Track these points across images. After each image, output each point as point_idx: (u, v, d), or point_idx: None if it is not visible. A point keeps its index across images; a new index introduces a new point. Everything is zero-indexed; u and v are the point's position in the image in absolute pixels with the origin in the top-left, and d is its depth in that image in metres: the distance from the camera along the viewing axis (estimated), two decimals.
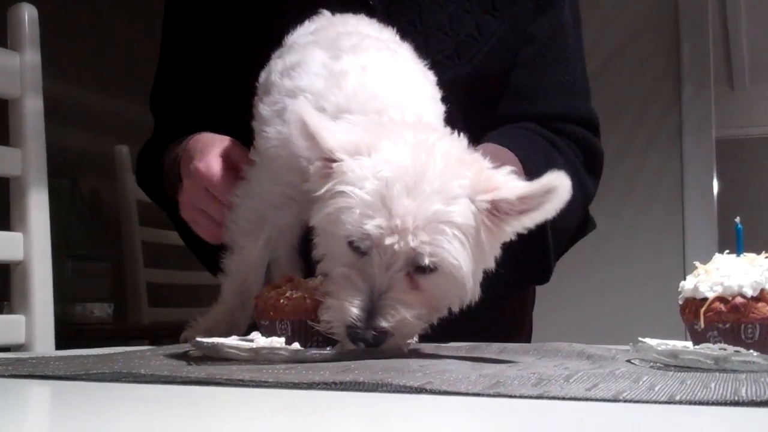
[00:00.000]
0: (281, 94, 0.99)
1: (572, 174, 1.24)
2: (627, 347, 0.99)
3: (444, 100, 1.03)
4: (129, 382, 0.70)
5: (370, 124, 0.86)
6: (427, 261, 0.81)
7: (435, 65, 1.05)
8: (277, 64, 1.03)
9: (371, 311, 0.82)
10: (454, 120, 1.01)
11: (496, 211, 0.82)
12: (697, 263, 0.86)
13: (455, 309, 0.88)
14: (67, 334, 1.74)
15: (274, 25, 1.08)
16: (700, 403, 0.57)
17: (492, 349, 1.03)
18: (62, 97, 2.90)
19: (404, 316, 0.83)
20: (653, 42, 2.98)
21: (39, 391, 0.71)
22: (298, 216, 1.02)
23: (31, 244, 1.30)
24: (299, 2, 1.10)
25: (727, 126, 4.93)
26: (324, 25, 1.06)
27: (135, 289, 2.69)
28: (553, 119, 1.23)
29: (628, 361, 0.87)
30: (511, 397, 0.60)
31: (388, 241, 0.80)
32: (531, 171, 1.11)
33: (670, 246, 2.90)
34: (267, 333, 0.90)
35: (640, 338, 0.88)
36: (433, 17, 1.19)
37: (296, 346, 0.85)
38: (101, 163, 2.79)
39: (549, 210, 0.82)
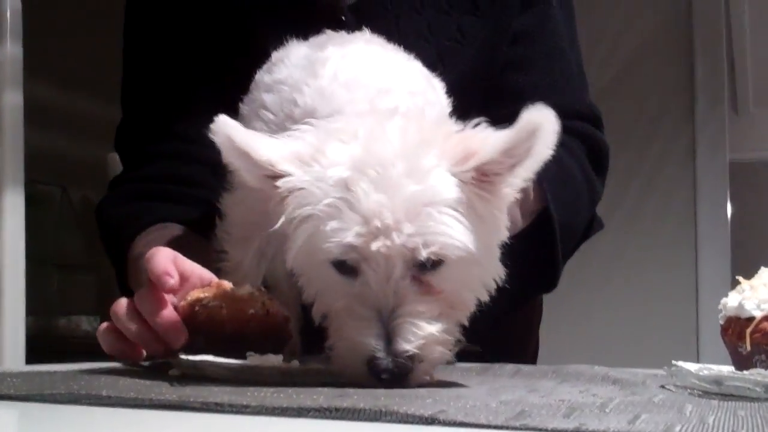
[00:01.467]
0: (260, 90, 0.92)
1: (581, 171, 1.15)
2: (653, 371, 0.90)
3: None
4: (88, 404, 0.60)
5: (319, 130, 0.75)
6: (425, 254, 0.68)
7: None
8: (264, 66, 0.96)
9: (387, 336, 0.69)
10: None
11: (484, 176, 0.71)
12: (740, 278, 0.77)
13: (484, 297, 0.75)
14: (52, 347, 1.65)
15: (246, 44, 1.00)
16: None
17: (506, 370, 0.93)
18: (54, 101, 2.80)
19: (429, 332, 0.70)
20: (666, 58, 2.90)
21: None
22: None
23: (2, 250, 1.20)
24: (272, 19, 1.02)
25: (733, 150, 4.85)
26: (321, 37, 0.97)
27: None
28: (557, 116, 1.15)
29: (662, 387, 0.77)
30: (540, 430, 0.50)
31: (374, 246, 0.68)
32: (540, 173, 1.04)
33: (683, 264, 2.80)
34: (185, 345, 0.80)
35: (674, 361, 0.78)
36: (411, 24, 1.11)
37: (295, 363, 0.75)
38: (93, 171, 2.70)
39: (541, 152, 0.72)
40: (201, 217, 1.07)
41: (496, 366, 0.98)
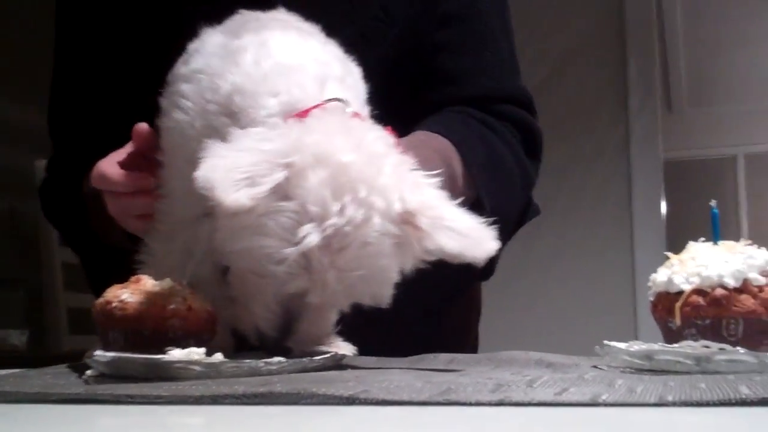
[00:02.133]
0: (178, 81, 0.90)
1: (513, 157, 1.13)
2: (589, 358, 0.89)
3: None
4: None
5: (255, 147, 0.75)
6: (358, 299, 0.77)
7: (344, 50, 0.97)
8: (183, 56, 0.94)
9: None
10: (376, 107, 0.91)
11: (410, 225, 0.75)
12: (669, 254, 0.76)
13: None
14: None
15: (181, 32, 0.97)
16: (699, 404, 0.46)
17: (440, 360, 0.91)
18: None
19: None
20: (599, 55, 2.94)
21: None
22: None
23: None
24: (205, 9, 1.00)
25: (667, 148, 4.96)
26: (236, 18, 0.96)
27: (54, 315, 2.50)
28: (484, 101, 1.13)
29: (595, 367, 0.76)
30: (465, 404, 0.48)
31: (311, 299, 0.74)
32: (467, 155, 1.04)
33: (619, 253, 2.84)
34: (102, 344, 0.78)
35: (605, 342, 0.77)
36: (334, 4, 1.09)
37: (218, 357, 0.72)
38: (18, 179, 2.61)
39: (468, 256, 0.76)
40: None
41: (431, 356, 0.96)
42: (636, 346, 0.72)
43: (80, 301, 2.61)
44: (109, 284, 0.85)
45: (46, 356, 2.41)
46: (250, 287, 0.77)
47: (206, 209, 0.90)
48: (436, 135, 1.04)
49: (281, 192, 0.72)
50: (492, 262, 1.13)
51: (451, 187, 0.94)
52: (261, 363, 0.71)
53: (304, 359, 0.74)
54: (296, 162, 0.72)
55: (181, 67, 0.91)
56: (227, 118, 0.83)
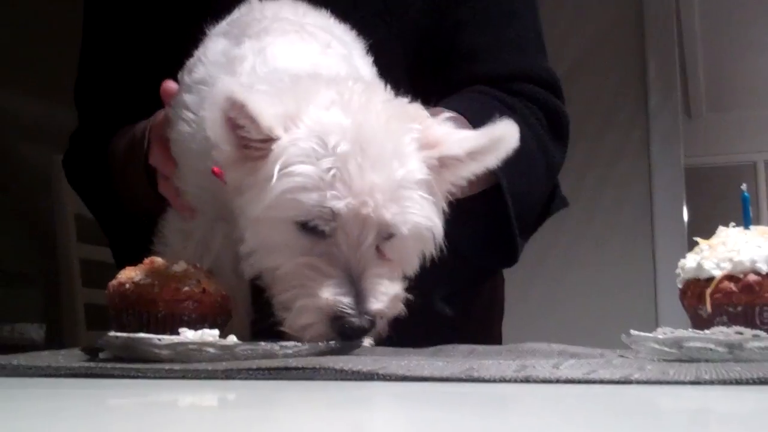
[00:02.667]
0: (181, 92, 0.90)
1: (534, 138, 1.09)
2: (613, 350, 0.86)
3: (382, 61, 0.94)
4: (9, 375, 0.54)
5: (285, 88, 0.77)
6: (405, 230, 0.74)
7: (365, 24, 0.97)
8: (189, 61, 0.94)
9: (358, 296, 0.73)
10: (398, 84, 0.90)
11: (443, 164, 0.78)
12: (698, 239, 0.73)
13: (417, 264, 0.81)
14: None
15: (203, 14, 0.96)
16: (738, 382, 0.44)
17: (459, 350, 0.89)
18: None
19: (393, 292, 0.75)
20: (619, 55, 2.90)
21: None
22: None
23: None
24: None
25: (687, 155, 4.92)
26: (243, 13, 0.96)
27: (71, 310, 2.49)
28: (506, 79, 1.10)
29: (621, 356, 0.73)
30: (488, 381, 0.46)
31: (361, 216, 0.72)
32: None
33: (640, 258, 2.79)
34: (115, 326, 0.76)
35: (632, 330, 0.75)
36: None
37: (232, 339, 0.70)
38: (37, 174, 2.61)
39: (491, 162, 0.79)
40: None
41: (449, 347, 0.93)
42: (665, 332, 0.69)
43: (97, 296, 2.61)
44: (132, 254, 0.84)
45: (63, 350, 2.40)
46: (303, 271, 0.74)
47: (220, 214, 0.89)
48: (454, 113, 1.00)
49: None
50: (514, 247, 1.10)
51: None
52: (276, 346, 0.69)
53: (320, 344, 0.72)
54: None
55: (185, 76, 0.91)
56: None
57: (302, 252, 0.74)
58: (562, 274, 2.81)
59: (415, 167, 0.74)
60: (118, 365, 0.55)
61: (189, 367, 0.52)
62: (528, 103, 1.09)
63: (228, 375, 0.51)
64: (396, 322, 0.89)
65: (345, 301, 0.72)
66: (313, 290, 0.73)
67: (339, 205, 0.71)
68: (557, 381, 0.45)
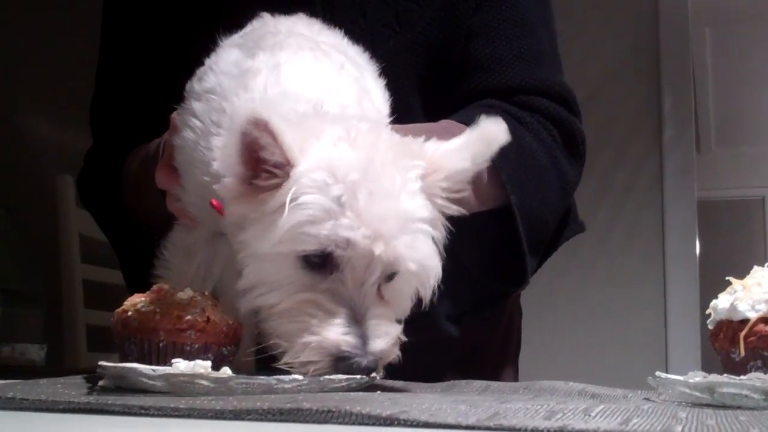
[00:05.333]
0: (191, 99, 0.88)
1: (546, 153, 1.05)
2: (633, 391, 0.83)
3: (392, 72, 0.93)
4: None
5: (294, 122, 0.75)
6: (412, 267, 0.72)
7: (375, 35, 0.97)
8: (200, 69, 0.92)
9: (362, 336, 0.71)
10: (407, 95, 0.87)
11: (451, 189, 0.77)
12: (732, 279, 0.70)
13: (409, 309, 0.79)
14: None
15: (216, 31, 0.95)
16: None
17: (473, 387, 0.85)
18: (4, 124, 2.71)
19: (394, 334, 0.74)
20: (633, 86, 2.88)
21: None
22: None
23: None
24: (242, 7, 0.98)
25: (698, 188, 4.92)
26: (257, 27, 0.95)
27: (73, 331, 2.46)
28: (518, 91, 1.06)
29: (647, 399, 0.70)
30: (519, 430, 0.42)
31: (377, 250, 0.70)
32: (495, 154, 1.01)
33: (651, 290, 2.75)
34: (120, 354, 0.74)
35: (657, 372, 0.71)
36: None
37: (226, 371, 0.66)
38: (41, 194, 2.59)
39: (481, 159, 0.78)
40: None
41: (463, 382, 0.90)
42: (696, 377, 0.66)
43: (99, 318, 2.57)
44: (143, 277, 0.81)
45: (64, 372, 2.37)
46: (305, 308, 0.72)
47: (219, 228, 0.87)
48: (460, 124, 0.97)
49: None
50: (524, 267, 1.06)
51: (475, 184, 0.89)
52: (273, 380, 0.65)
53: (320, 379, 0.68)
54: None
55: (195, 84, 0.89)
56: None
57: (305, 288, 0.72)
58: (570, 308, 2.77)
59: (421, 204, 0.73)
60: (119, 400, 0.51)
61: (195, 405, 0.49)
62: (540, 118, 1.06)
63: (236, 415, 0.47)
64: (407, 349, 0.87)
65: (351, 342, 0.71)
66: (317, 328, 0.71)
67: (352, 234, 0.69)
68: None
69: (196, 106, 0.86)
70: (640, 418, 0.50)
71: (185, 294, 0.75)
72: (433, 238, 0.74)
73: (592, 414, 0.50)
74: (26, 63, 2.77)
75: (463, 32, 1.07)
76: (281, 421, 0.46)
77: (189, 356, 0.71)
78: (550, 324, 2.69)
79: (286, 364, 0.71)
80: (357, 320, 0.71)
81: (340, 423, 0.45)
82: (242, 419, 0.47)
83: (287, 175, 0.71)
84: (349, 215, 0.69)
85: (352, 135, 0.74)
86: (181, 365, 0.64)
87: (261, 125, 0.70)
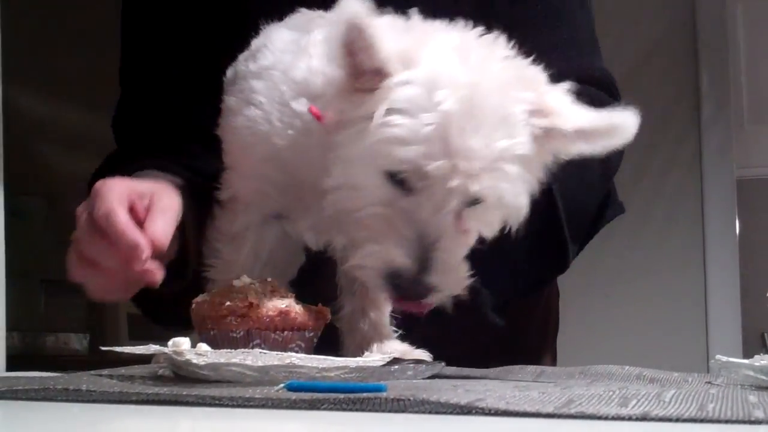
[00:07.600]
0: (246, 79, 0.87)
1: None
2: (688, 373, 0.82)
3: None
4: (66, 401, 0.52)
5: (405, 28, 0.74)
6: (491, 202, 0.71)
7: None
8: (243, 55, 0.92)
9: (422, 263, 0.70)
10: None
11: (549, 135, 0.74)
12: None
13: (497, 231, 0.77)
14: (39, 365, 1.55)
15: (246, 39, 0.95)
16: None
17: (527, 372, 0.85)
18: (46, 112, 2.74)
19: (457, 270, 0.72)
20: (670, 64, 2.84)
21: None
22: (283, 230, 0.89)
23: None
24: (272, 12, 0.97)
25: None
26: (298, 17, 0.94)
27: (114, 320, 2.50)
28: (559, 78, 1.07)
29: (708, 383, 0.69)
30: (601, 418, 0.42)
31: (451, 184, 0.69)
32: None
33: (691, 271, 2.72)
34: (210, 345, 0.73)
35: (717, 356, 0.71)
36: None
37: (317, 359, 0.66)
38: (83, 184, 2.62)
39: (600, 148, 0.75)
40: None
41: (516, 368, 0.89)
42: (762, 360, 0.65)
43: None
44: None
45: (107, 360, 2.40)
46: (379, 221, 0.72)
47: (275, 212, 0.87)
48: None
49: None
50: (566, 253, 1.06)
51: None
52: (314, 369, 0.64)
53: (365, 366, 0.68)
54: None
55: (249, 64, 0.88)
56: (308, 99, 0.80)
57: (384, 202, 0.72)
58: (610, 291, 2.75)
59: (518, 141, 0.71)
60: (194, 390, 0.52)
61: (269, 396, 0.49)
62: (581, 103, 1.06)
63: (312, 405, 0.48)
64: (450, 335, 0.86)
65: (407, 264, 0.70)
66: (384, 243, 0.71)
67: (431, 165, 0.68)
68: (677, 420, 0.41)
69: (256, 84, 0.85)
70: (714, 403, 0.50)
71: (241, 281, 0.76)
72: (522, 179, 0.72)
73: (666, 399, 0.50)
74: (62, 53, 2.80)
75: (503, 23, 1.06)
76: (358, 410, 0.47)
77: (235, 343, 0.71)
78: (589, 302, 2.67)
79: (346, 264, 0.74)
80: (425, 246, 0.70)
81: (416, 412, 0.45)
82: (318, 409, 0.47)
83: (382, 84, 0.70)
84: (433, 145, 0.68)
85: (466, 45, 0.73)
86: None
87: (357, 30, 0.69)
